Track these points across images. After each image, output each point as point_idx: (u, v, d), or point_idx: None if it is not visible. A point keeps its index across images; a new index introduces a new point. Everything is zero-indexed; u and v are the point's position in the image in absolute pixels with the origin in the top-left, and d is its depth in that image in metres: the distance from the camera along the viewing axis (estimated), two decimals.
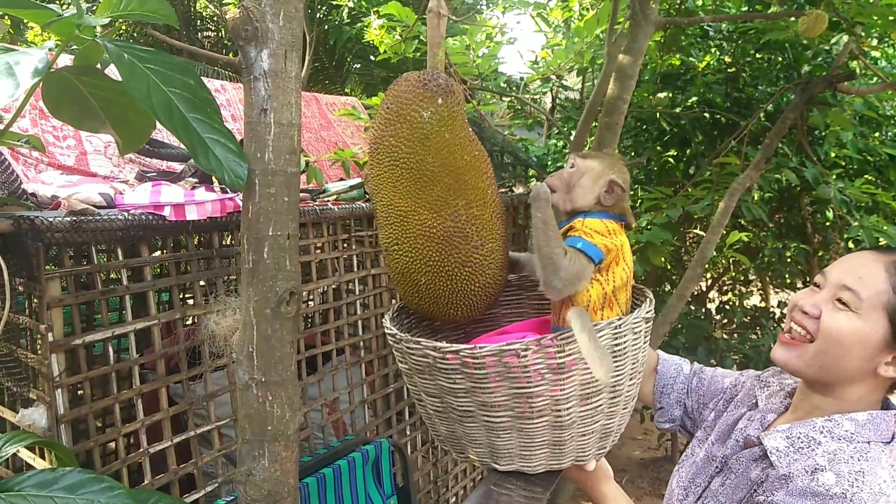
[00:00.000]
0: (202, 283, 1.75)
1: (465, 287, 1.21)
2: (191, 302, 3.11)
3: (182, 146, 2.23)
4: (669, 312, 2.65)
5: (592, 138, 3.65)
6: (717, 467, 1.28)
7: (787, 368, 1.21)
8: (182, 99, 1.00)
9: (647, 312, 1.17)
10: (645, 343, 1.21)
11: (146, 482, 1.50)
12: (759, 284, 4.86)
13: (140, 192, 1.61)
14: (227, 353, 1.65)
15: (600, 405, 1.14)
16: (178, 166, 2.16)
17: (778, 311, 4.36)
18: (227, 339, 1.64)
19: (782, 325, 4.19)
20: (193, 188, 1.85)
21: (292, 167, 1.07)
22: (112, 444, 1.57)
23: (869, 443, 1.11)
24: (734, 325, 4.37)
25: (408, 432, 2.55)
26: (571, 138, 3.79)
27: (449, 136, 1.14)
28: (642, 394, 1.51)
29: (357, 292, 2.27)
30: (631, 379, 1.19)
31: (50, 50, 0.97)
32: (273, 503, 1.12)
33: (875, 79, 2.84)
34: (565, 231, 1.20)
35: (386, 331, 1.23)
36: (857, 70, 2.53)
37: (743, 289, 4.83)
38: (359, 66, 7.86)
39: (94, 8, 1.04)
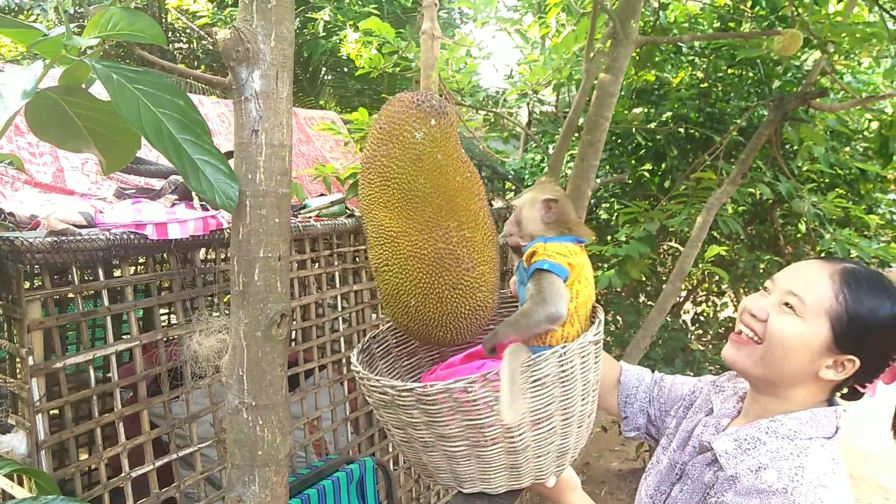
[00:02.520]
0: (195, 300, 1.72)
1: (455, 310, 1.20)
2: (163, 321, 3.06)
3: (161, 162, 2.20)
4: (650, 326, 2.67)
5: (571, 153, 3.68)
6: (677, 474, 1.36)
7: (735, 367, 1.27)
8: (172, 120, 0.98)
9: (594, 335, 1.20)
10: (597, 363, 1.25)
11: None
12: (733, 296, 4.93)
13: (120, 211, 1.58)
14: (209, 374, 1.62)
15: (553, 427, 1.18)
16: (156, 183, 2.12)
17: None
18: (209, 360, 1.61)
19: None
20: (173, 205, 1.83)
21: (283, 188, 1.06)
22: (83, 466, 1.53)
23: (810, 439, 1.18)
24: (709, 337, 4.43)
25: (390, 449, 2.53)
26: (549, 152, 3.82)
27: (441, 157, 1.15)
28: (608, 406, 1.59)
29: (340, 308, 2.25)
30: (583, 399, 1.21)
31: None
32: None
33: (842, 93, 2.91)
34: (529, 255, 1.25)
35: (352, 367, 1.24)
36: (829, 86, 2.59)
37: (717, 300, 4.89)
38: (331, 78, 7.84)
39: (81, 26, 1.02)
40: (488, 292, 1.24)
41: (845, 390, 1.26)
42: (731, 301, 4.86)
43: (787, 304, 1.19)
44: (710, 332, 4.35)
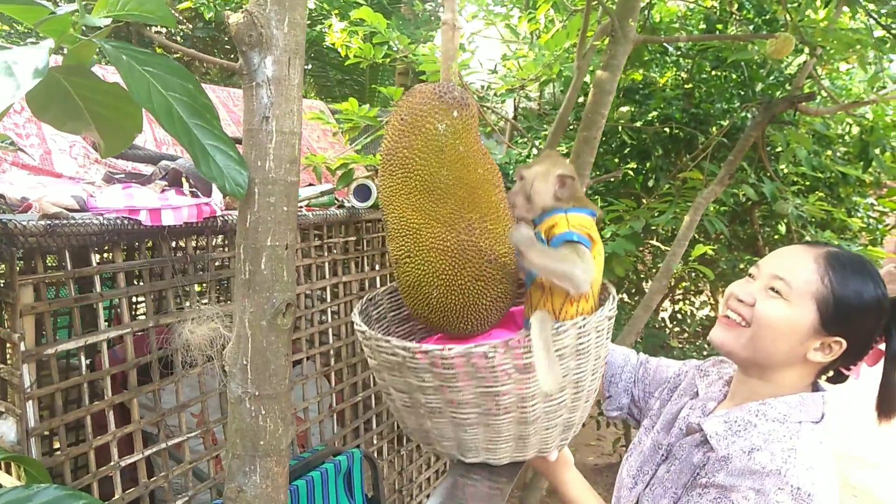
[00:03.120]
0: (188, 288, 1.70)
1: (476, 301, 1.20)
2: (142, 309, 3.01)
3: (150, 148, 2.16)
4: (636, 323, 2.70)
5: (561, 149, 3.69)
6: (662, 455, 1.36)
7: (723, 349, 1.29)
8: (182, 104, 0.97)
9: (609, 311, 1.20)
10: (607, 339, 1.25)
11: (117, 497, 1.44)
12: (710, 295, 5.00)
13: (112, 195, 1.55)
14: (201, 363, 1.60)
15: (563, 401, 1.17)
16: (143, 168, 2.09)
17: None
18: (201, 349, 1.59)
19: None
20: (163, 191, 1.80)
21: (293, 176, 1.05)
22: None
23: (800, 423, 1.20)
24: (686, 335, 4.48)
25: (374, 441, 2.52)
26: (535, 149, 3.83)
27: (463, 148, 1.14)
28: None
29: (328, 300, 2.23)
30: (593, 374, 1.21)
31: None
32: None
33: (825, 96, 2.95)
34: (549, 227, 1.21)
35: (355, 327, 1.22)
36: (816, 91, 2.64)
37: (694, 299, 4.96)
38: (311, 67, 7.78)
39: (87, 6, 1.00)
40: (509, 283, 1.23)
41: (831, 373, 1.29)
42: (709, 300, 4.93)
43: (773, 288, 1.22)
44: (689, 330, 4.41)
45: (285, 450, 1.11)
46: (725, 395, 1.38)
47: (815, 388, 1.28)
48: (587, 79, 3.30)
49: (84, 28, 1.09)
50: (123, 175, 1.88)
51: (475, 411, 1.13)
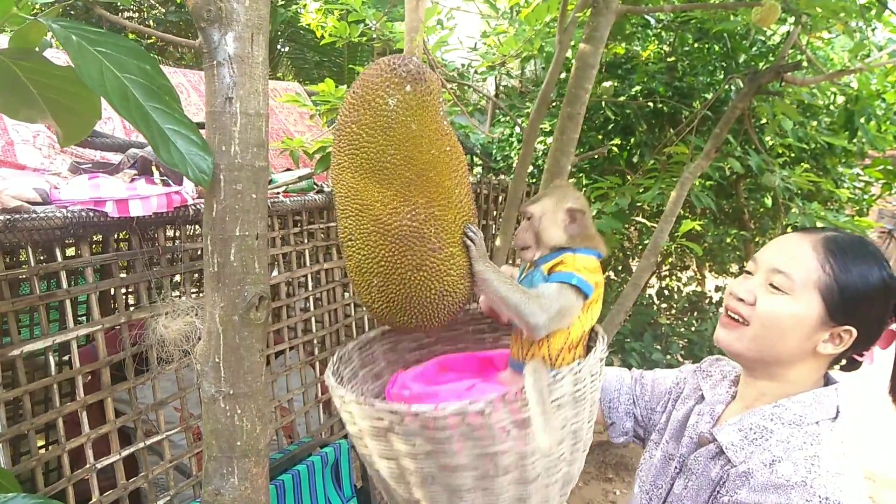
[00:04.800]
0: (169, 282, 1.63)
1: (419, 293, 1.11)
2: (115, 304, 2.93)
3: (117, 135, 2.09)
4: (625, 301, 2.66)
5: (544, 126, 3.64)
6: (676, 468, 1.28)
7: (729, 351, 1.23)
8: (138, 86, 0.90)
9: (601, 352, 1.13)
10: (600, 382, 1.17)
11: (94, 500, 1.38)
12: (696, 270, 4.99)
13: (77, 187, 1.48)
14: (177, 358, 1.54)
15: (563, 454, 1.10)
16: (111, 156, 2.01)
17: (715, 296, 4.48)
18: (177, 344, 1.53)
19: (719, 309, 4.32)
20: (132, 180, 1.73)
21: (260, 161, 0.99)
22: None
23: (818, 423, 1.14)
24: (673, 311, 4.47)
25: None
26: (517, 127, 3.77)
27: (416, 126, 1.06)
28: None
29: (309, 287, 2.18)
30: (589, 422, 1.15)
31: None
32: None
33: (809, 66, 2.91)
34: (553, 265, 1.15)
35: (332, 390, 1.11)
36: (801, 60, 2.59)
37: (681, 275, 4.94)
38: (288, 49, 7.64)
39: None
40: (458, 277, 1.14)
41: (843, 362, 1.22)
42: (696, 275, 4.92)
43: (773, 283, 1.16)
44: (676, 307, 4.39)
45: (264, 449, 1.06)
46: (733, 396, 1.30)
47: (827, 380, 1.22)
48: (569, 54, 3.23)
49: (38, 6, 1.02)
50: (91, 165, 1.80)
51: (471, 475, 1.03)
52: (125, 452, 1.46)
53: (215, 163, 0.95)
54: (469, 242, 1.13)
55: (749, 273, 1.23)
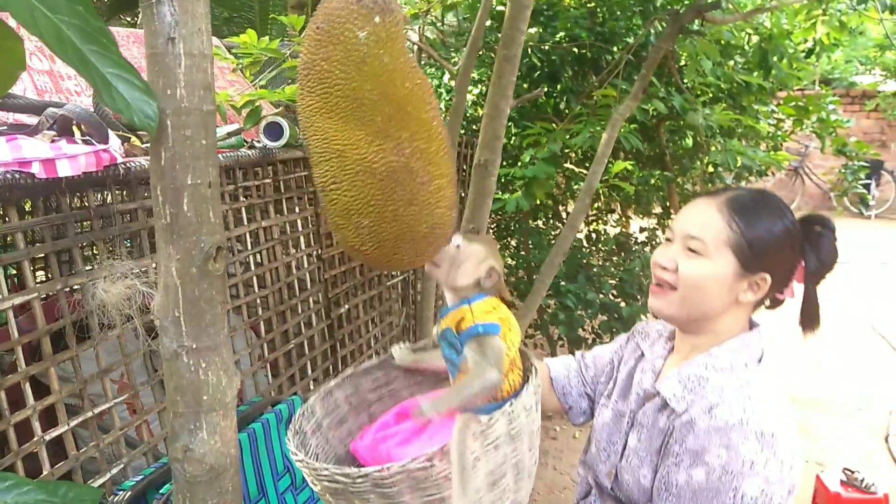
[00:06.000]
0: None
1: (412, 229, 1.11)
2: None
3: (35, 97, 1.95)
4: (562, 243, 2.72)
5: (474, 75, 3.61)
6: (628, 423, 1.39)
7: (662, 315, 1.35)
8: (73, 28, 0.84)
9: (535, 385, 1.20)
10: (537, 410, 1.24)
11: (45, 472, 1.33)
12: (620, 213, 5.14)
13: None
14: (120, 324, 1.48)
15: (507, 485, 1.16)
16: (24, 118, 1.88)
17: (640, 236, 4.65)
18: (119, 308, 1.47)
19: (645, 248, 4.48)
20: (53, 141, 1.63)
21: (208, 104, 0.95)
22: None
23: (746, 365, 1.27)
24: (602, 253, 4.61)
25: (311, 387, 2.47)
26: (447, 74, 3.74)
27: (388, 59, 1.03)
28: (552, 406, 1.61)
29: (249, 248, 2.12)
30: (530, 450, 1.21)
31: None
32: (216, 477, 1.03)
33: (726, 4, 3.00)
34: (457, 322, 1.23)
35: (292, 456, 1.16)
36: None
37: (607, 218, 5.08)
38: None
39: None
40: (446, 208, 1.15)
41: (767, 303, 1.36)
42: (622, 217, 5.07)
43: (690, 248, 1.27)
44: (604, 249, 4.53)
45: (231, 402, 1.04)
46: (671, 350, 1.42)
47: (751, 324, 1.35)
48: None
49: None
50: (6, 127, 1.68)
51: None
52: (73, 423, 1.41)
53: (161, 108, 0.91)
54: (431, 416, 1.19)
55: (669, 241, 1.35)
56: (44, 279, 2.32)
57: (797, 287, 1.35)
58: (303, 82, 1.05)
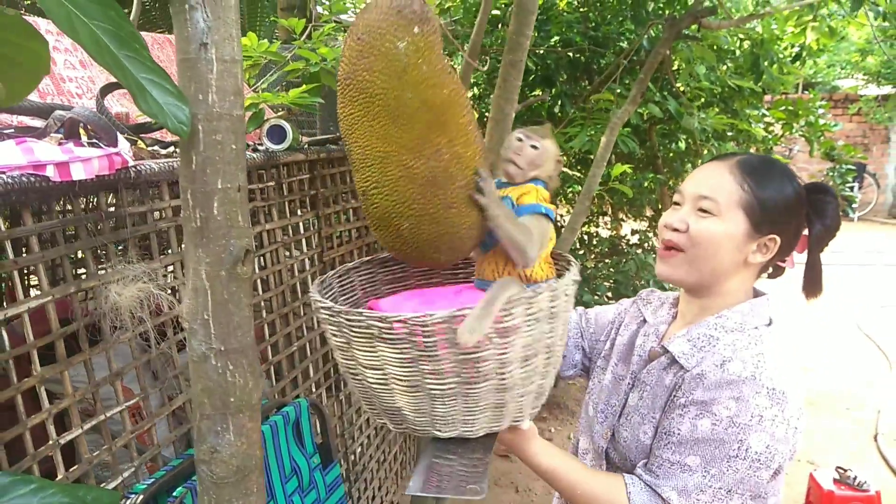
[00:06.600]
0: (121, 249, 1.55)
1: (450, 230, 1.15)
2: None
3: (37, 100, 1.95)
4: (563, 246, 2.75)
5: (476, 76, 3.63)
6: (629, 384, 1.39)
7: (671, 280, 1.35)
8: (107, 33, 0.85)
9: (575, 275, 1.23)
10: (572, 303, 1.26)
11: (60, 476, 1.33)
12: (612, 215, 5.18)
13: (8, 152, 1.38)
14: (132, 327, 1.48)
15: (537, 366, 1.17)
16: (28, 120, 1.88)
17: (632, 238, 4.69)
18: (132, 311, 1.48)
19: (638, 249, 4.52)
20: (60, 144, 1.63)
21: (238, 110, 0.96)
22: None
23: (756, 328, 1.28)
24: (594, 255, 4.65)
25: (313, 389, 2.48)
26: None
27: (427, 68, 1.06)
28: None
29: (253, 248, 2.12)
30: (561, 339, 1.23)
31: None
32: (242, 478, 1.04)
33: (720, 10, 3.05)
34: (520, 195, 1.25)
35: (319, 305, 1.16)
36: (715, 6, 2.71)
37: (599, 220, 5.12)
38: None
39: None
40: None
41: (770, 270, 1.38)
42: (613, 219, 5.10)
43: (701, 209, 1.28)
44: (596, 251, 4.57)
45: (257, 404, 1.05)
46: (674, 317, 1.44)
47: (756, 293, 1.37)
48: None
49: None
50: (13, 130, 1.68)
51: (454, 381, 1.11)
52: (87, 426, 1.41)
53: (192, 112, 0.92)
54: (481, 192, 1.18)
55: (677, 204, 1.35)
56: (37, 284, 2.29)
57: (797, 258, 1.39)
58: (343, 91, 1.08)
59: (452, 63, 3.57)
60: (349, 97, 1.08)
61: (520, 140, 1.27)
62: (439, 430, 1.18)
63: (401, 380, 1.12)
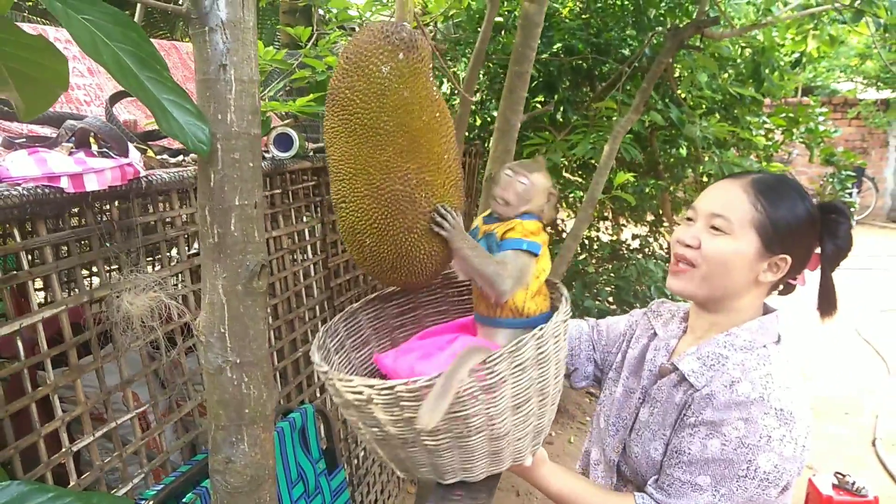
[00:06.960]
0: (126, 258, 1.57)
1: (409, 253, 1.18)
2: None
3: (48, 109, 1.96)
4: (566, 253, 2.77)
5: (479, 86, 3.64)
6: (639, 398, 1.40)
7: (683, 294, 1.36)
8: (130, 55, 0.87)
9: (564, 314, 1.23)
10: (565, 340, 1.28)
11: (73, 483, 1.35)
12: (613, 220, 5.20)
13: (22, 162, 1.40)
14: (144, 336, 1.50)
15: (531, 409, 1.19)
16: (39, 129, 1.90)
17: (633, 243, 4.71)
18: (144, 320, 1.50)
19: (639, 255, 4.53)
20: (71, 154, 1.65)
21: (255, 128, 0.99)
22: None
23: (765, 346, 1.30)
24: (595, 260, 4.67)
25: (318, 394, 2.49)
26: (444, 86, 3.77)
27: (408, 94, 1.09)
28: None
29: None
30: (556, 378, 1.25)
31: None
32: (256, 488, 1.06)
33: (723, 20, 3.07)
34: (505, 231, 1.27)
35: (316, 367, 1.19)
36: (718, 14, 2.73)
37: (600, 226, 5.15)
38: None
39: None
40: (444, 239, 1.23)
41: (781, 287, 1.39)
42: (614, 225, 5.13)
43: (714, 226, 1.29)
44: (597, 256, 4.59)
45: (271, 415, 1.08)
46: (684, 331, 1.45)
47: (766, 309, 1.38)
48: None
49: None
50: (24, 139, 1.70)
51: (447, 437, 1.14)
52: (99, 433, 1.43)
53: (212, 132, 0.94)
54: (440, 227, 1.21)
55: (690, 220, 1.36)
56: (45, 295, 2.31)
57: (808, 276, 1.40)
58: (329, 105, 1.12)
59: (452, 71, 3.60)
60: (332, 111, 1.13)
61: (508, 175, 1.29)
62: (441, 478, 1.23)
63: (398, 437, 1.15)
